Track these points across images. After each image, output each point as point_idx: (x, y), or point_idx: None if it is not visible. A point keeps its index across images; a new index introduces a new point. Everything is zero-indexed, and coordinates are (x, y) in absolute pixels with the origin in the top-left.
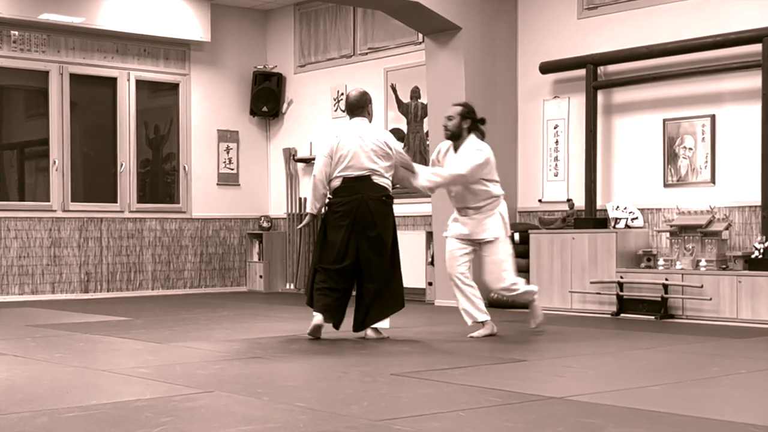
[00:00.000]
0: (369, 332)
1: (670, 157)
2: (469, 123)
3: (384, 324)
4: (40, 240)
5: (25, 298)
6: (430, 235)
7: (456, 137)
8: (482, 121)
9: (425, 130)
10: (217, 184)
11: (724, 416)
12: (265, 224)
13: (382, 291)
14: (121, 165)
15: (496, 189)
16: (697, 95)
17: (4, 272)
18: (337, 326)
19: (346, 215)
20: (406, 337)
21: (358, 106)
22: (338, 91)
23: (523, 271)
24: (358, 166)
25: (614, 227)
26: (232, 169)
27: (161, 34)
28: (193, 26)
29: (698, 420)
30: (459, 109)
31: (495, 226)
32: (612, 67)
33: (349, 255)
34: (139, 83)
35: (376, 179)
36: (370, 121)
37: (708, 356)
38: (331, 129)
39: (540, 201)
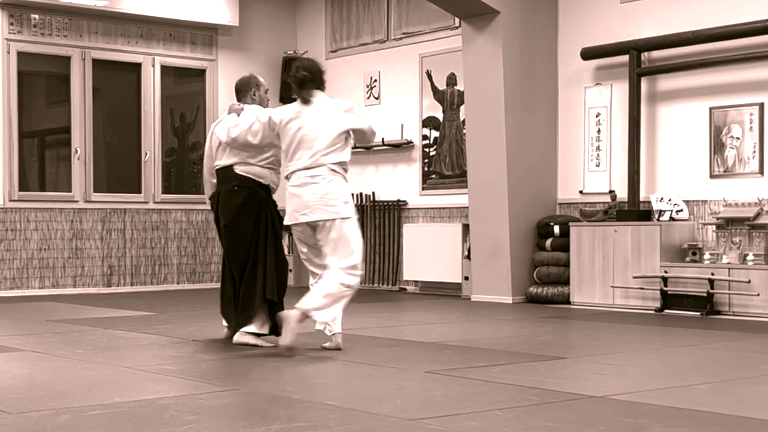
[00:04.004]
0: (246, 338)
1: (717, 146)
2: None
3: (264, 330)
4: (61, 232)
5: (46, 292)
6: (466, 228)
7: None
8: (297, 81)
9: (462, 119)
10: None
11: None
12: None
13: (244, 290)
14: (146, 154)
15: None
16: (744, 82)
17: (24, 265)
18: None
19: (212, 208)
20: (441, 334)
21: (240, 90)
22: (371, 78)
23: (563, 265)
24: (224, 156)
25: (658, 220)
26: None
27: (187, 18)
28: (221, 10)
29: (745, 420)
30: None
31: None
32: (656, 53)
33: (224, 249)
34: (165, 69)
35: (238, 168)
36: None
37: (756, 354)
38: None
39: (581, 192)
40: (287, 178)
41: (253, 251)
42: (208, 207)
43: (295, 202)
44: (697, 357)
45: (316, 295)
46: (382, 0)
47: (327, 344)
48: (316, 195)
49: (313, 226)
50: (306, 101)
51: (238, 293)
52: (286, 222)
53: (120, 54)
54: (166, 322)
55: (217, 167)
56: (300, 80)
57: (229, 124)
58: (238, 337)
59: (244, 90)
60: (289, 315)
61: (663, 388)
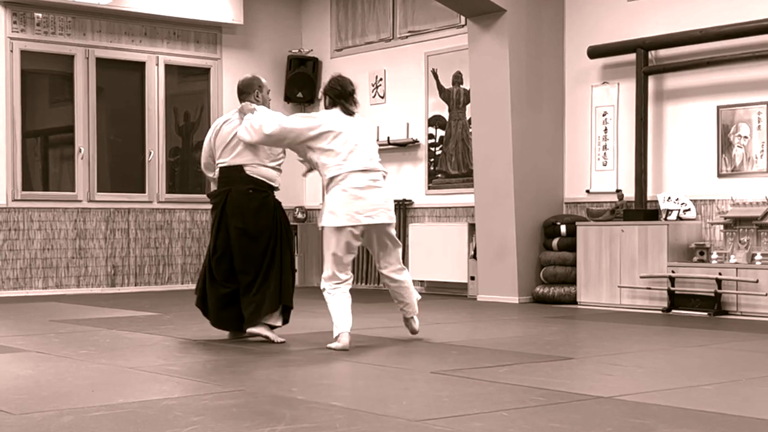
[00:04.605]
0: (260, 329)
1: (725, 145)
2: (327, 99)
3: (276, 322)
4: (64, 231)
5: (49, 292)
6: (472, 227)
7: None
8: (343, 95)
9: (468, 117)
10: None
11: None
12: (300, 215)
13: (257, 290)
14: (150, 153)
15: (326, 171)
16: (752, 81)
17: (27, 265)
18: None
19: (215, 207)
20: (446, 334)
21: (244, 92)
22: (377, 77)
23: (570, 265)
24: (233, 155)
25: (665, 219)
26: None
27: (192, 16)
28: (225, 8)
29: (753, 421)
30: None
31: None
32: (664, 52)
33: (218, 248)
34: (169, 68)
35: (250, 170)
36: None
37: (764, 354)
38: (370, 116)
39: (588, 192)
40: (335, 178)
41: (270, 254)
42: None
43: (359, 204)
44: (704, 357)
45: (414, 295)
46: None
47: (333, 344)
48: (381, 199)
49: (364, 229)
50: (351, 113)
51: (243, 293)
52: (339, 223)
53: (124, 53)
54: (170, 323)
55: (221, 165)
56: (349, 93)
57: (256, 122)
58: (252, 329)
59: (248, 92)
60: (411, 320)
61: (670, 388)
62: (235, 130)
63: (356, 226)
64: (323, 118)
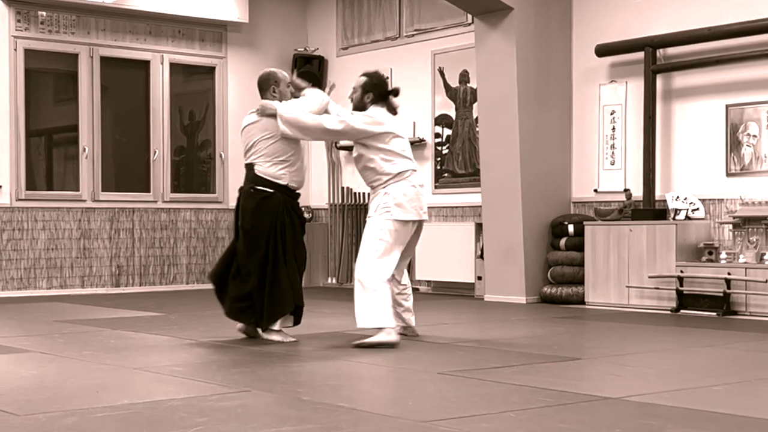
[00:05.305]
0: (273, 335)
1: (733, 144)
2: (371, 96)
3: (276, 326)
4: (69, 231)
5: (54, 292)
6: (479, 227)
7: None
8: (391, 93)
9: (474, 116)
10: None
11: None
12: (305, 215)
13: (263, 293)
14: (155, 152)
15: (387, 166)
16: (761, 79)
17: (31, 265)
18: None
19: (236, 202)
20: (453, 334)
21: (261, 88)
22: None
23: (578, 264)
24: (249, 153)
25: (674, 219)
26: None
27: (197, 14)
28: (231, 6)
29: (762, 422)
30: (362, 80)
31: (374, 204)
32: (672, 50)
33: (239, 245)
34: (174, 66)
35: (258, 168)
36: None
37: None
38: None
39: (595, 191)
40: (403, 173)
41: (273, 256)
42: (216, 206)
43: (422, 200)
44: (713, 358)
45: None
46: None
47: (385, 338)
48: (425, 198)
49: (419, 225)
50: (396, 113)
51: (255, 293)
52: (408, 217)
53: (128, 51)
54: (175, 323)
55: (245, 163)
56: (394, 93)
57: (310, 118)
58: (266, 335)
59: (264, 88)
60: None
61: (679, 389)
62: (253, 128)
63: (415, 222)
64: (383, 117)
